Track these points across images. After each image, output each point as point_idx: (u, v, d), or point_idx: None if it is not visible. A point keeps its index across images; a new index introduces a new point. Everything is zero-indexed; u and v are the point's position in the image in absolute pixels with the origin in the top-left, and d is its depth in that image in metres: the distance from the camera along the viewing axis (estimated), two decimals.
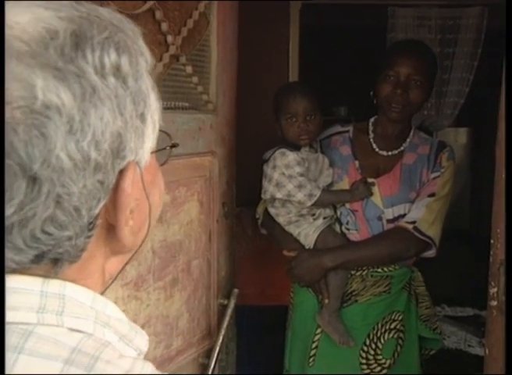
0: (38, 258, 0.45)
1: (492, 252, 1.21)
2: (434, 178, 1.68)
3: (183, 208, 1.54)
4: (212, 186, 1.66)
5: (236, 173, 1.82)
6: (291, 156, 1.62)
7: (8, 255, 0.44)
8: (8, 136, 0.40)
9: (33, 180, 0.41)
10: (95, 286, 0.51)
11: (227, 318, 1.71)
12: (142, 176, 0.50)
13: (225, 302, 1.73)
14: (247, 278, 2.31)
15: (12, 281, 0.45)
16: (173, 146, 0.60)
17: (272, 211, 1.72)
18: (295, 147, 1.64)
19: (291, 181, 1.61)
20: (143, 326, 1.43)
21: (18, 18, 0.43)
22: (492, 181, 1.26)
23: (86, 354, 0.44)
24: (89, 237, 0.48)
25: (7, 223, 0.42)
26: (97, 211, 0.47)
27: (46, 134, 0.41)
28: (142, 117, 0.49)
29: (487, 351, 1.22)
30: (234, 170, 1.81)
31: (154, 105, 0.51)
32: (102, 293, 0.53)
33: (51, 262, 0.46)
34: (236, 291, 1.76)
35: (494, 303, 1.19)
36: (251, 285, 2.44)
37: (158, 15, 1.42)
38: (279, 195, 1.63)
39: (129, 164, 0.48)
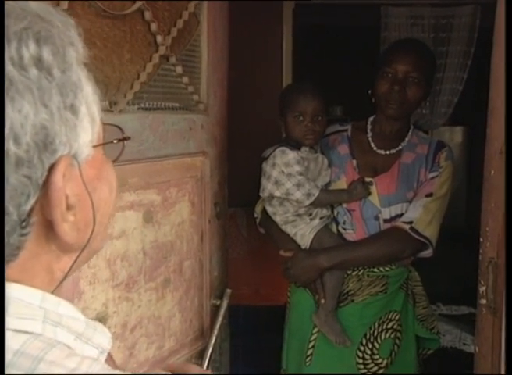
0: None
1: (481, 251, 1.21)
2: (432, 178, 1.68)
3: (174, 209, 1.54)
4: (204, 186, 1.66)
5: (228, 173, 1.82)
6: (291, 155, 1.62)
7: None
8: None
9: None
10: (42, 285, 0.50)
11: (220, 318, 1.71)
12: (81, 171, 0.49)
13: (218, 303, 1.73)
14: (241, 278, 2.31)
15: None
16: (124, 139, 0.58)
17: (269, 209, 1.72)
18: (295, 146, 1.64)
19: (290, 180, 1.61)
20: (134, 328, 1.43)
21: None
22: None
23: (29, 356, 0.44)
24: (24, 235, 0.46)
25: None
26: (27, 207, 0.45)
27: None
28: (73, 109, 0.47)
29: (477, 349, 1.22)
30: (226, 170, 1.80)
31: (90, 96, 0.50)
32: (54, 290, 0.52)
33: None
34: (228, 291, 1.76)
35: (483, 301, 1.19)
36: (245, 285, 2.44)
37: (148, 15, 1.41)
38: (277, 193, 1.63)
39: (61, 158, 0.46)
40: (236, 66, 1.88)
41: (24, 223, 0.46)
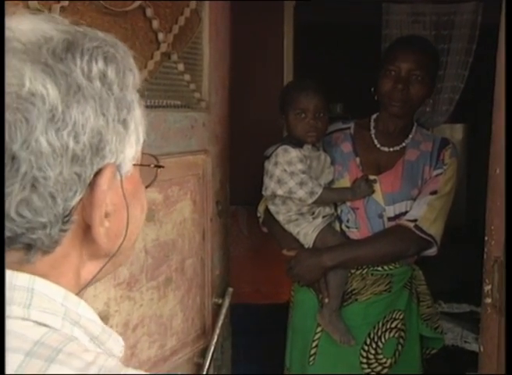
0: (11, 241, 0.47)
1: (486, 249, 1.21)
2: (436, 175, 1.67)
3: (175, 208, 1.53)
4: (205, 184, 1.65)
5: (229, 172, 1.81)
6: (294, 153, 1.60)
7: None
8: None
9: (12, 159, 0.44)
10: (68, 286, 0.52)
11: (222, 317, 1.70)
12: (122, 183, 0.53)
13: (220, 301, 1.73)
14: (243, 276, 2.30)
15: None
16: (159, 167, 0.63)
17: (272, 208, 1.71)
18: (297, 144, 1.63)
19: (293, 178, 1.60)
20: (136, 327, 1.42)
21: (20, 25, 0.49)
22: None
23: (48, 346, 0.46)
24: (64, 230, 0.49)
25: None
26: (72, 203, 0.49)
27: (28, 119, 0.44)
28: (124, 123, 0.52)
29: (481, 349, 1.22)
30: (228, 168, 1.80)
31: (138, 118, 0.55)
32: (77, 294, 0.53)
33: (23, 248, 0.48)
34: (230, 289, 1.75)
35: (488, 300, 1.18)
36: (247, 283, 2.43)
37: (149, 12, 1.40)
38: (280, 192, 1.62)
39: (108, 165, 0.50)
40: (237, 63, 1.87)
41: (66, 218, 0.49)
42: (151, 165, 0.61)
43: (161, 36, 1.44)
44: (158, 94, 1.48)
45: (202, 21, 1.62)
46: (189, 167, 1.58)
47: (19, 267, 0.48)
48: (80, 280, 0.54)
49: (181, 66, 1.54)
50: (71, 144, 0.47)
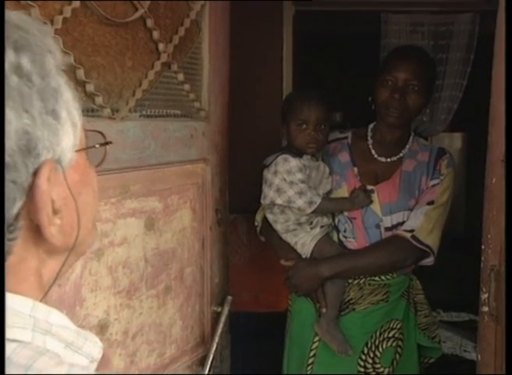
0: None
1: (483, 258, 1.22)
2: (433, 185, 1.67)
3: (175, 216, 1.54)
4: (205, 193, 1.66)
5: (229, 180, 1.82)
6: (293, 162, 1.61)
7: None
8: None
9: None
10: (31, 291, 0.50)
11: (221, 325, 1.70)
12: (65, 176, 0.50)
13: (219, 310, 1.73)
14: (242, 285, 2.31)
15: None
16: (105, 144, 0.59)
17: (269, 217, 1.72)
18: (297, 153, 1.64)
19: (292, 187, 1.60)
20: (136, 335, 1.43)
21: None
22: None
23: (17, 364, 0.44)
24: (11, 239, 0.47)
25: None
26: (14, 211, 0.46)
27: None
28: (54, 114, 0.48)
29: (479, 357, 1.22)
30: (227, 177, 1.80)
31: (70, 102, 0.51)
32: (43, 297, 0.52)
33: None
34: (229, 298, 1.76)
35: (485, 309, 1.19)
36: (246, 292, 2.44)
37: (149, 23, 1.42)
38: (279, 201, 1.63)
39: (45, 162, 0.47)
40: (236, 73, 1.89)
41: (12, 228, 0.47)
42: (96, 145, 0.57)
43: (161, 46, 1.46)
44: (158, 103, 1.49)
45: (202, 31, 1.63)
46: (188, 176, 1.59)
47: None
48: (43, 281, 0.53)
49: (181, 76, 1.55)
50: None
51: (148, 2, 1.39)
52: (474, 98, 3.60)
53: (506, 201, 1.08)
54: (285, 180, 1.61)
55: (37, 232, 0.49)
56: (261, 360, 2.39)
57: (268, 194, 1.65)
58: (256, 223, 1.84)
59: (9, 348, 0.45)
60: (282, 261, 1.73)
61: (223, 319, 1.71)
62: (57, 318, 0.51)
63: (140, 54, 1.41)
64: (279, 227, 1.70)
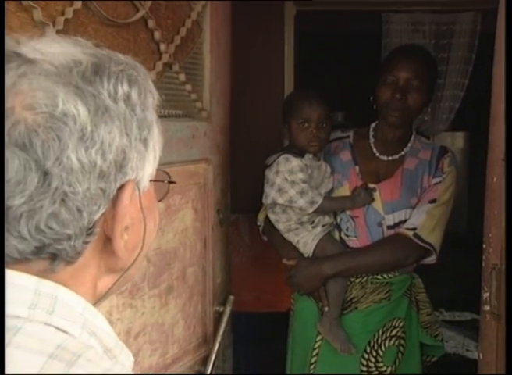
0: (39, 250, 0.49)
1: (484, 257, 1.22)
2: (435, 184, 1.67)
3: (177, 216, 1.54)
4: (207, 193, 1.66)
5: (231, 180, 1.82)
6: (295, 162, 1.61)
7: (13, 242, 0.48)
8: (30, 136, 0.47)
9: (45, 175, 0.47)
10: (86, 296, 0.54)
11: (223, 325, 1.71)
12: (140, 198, 0.56)
13: (221, 309, 1.73)
14: (244, 284, 2.31)
15: (9, 276, 0.49)
16: (171, 182, 0.65)
17: (272, 217, 1.72)
18: (299, 153, 1.64)
19: (293, 187, 1.60)
20: (138, 335, 1.43)
21: (50, 48, 0.52)
22: None
23: (69, 351, 0.48)
24: (86, 242, 0.52)
25: (16, 212, 0.47)
26: (96, 216, 0.51)
27: (61, 137, 0.48)
28: (145, 142, 0.55)
29: (481, 356, 1.22)
30: (229, 177, 1.81)
31: (156, 137, 0.58)
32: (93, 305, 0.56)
33: (49, 257, 0.50)
34: (231, 297, 1.76)
35: (487, 308, 1.19)
36: (248, 291, 2.44)
37: (151, 23, 1.42)
38: (280, 201, 1.63)
39: (129, 181, 0.54)
40: (238, 73, 1.89)
41: (90, 230, 0.52)
42: (164, 181, 0.64)
43: (162, 47, 1.46)
44: (160, 103, 1.49)
45: (203, 32, 1.64)
46: (190, 176, 1.60)
47: (44, 275, 0.51)
48: (97, 292, 0.57)
49: (182, 77, 1.55)
50: (99, 161, 0.50)
51: (149, 3, 1.40)
52: (475, 97, 3.60)
53: (506, 201, 1.09)
54: (286, 179, 1.62)
55: (105, 243, 0.54)
56: (263, 360, 2.39)
57: (270, 194, 1.65)
58: (258, 223, 1.85)
59: (62, 336, 0.49)
60: (284, 260, 1.74)
61: (225, 318, 1.71)
62: (102, 323, 0.55)
63: (141, 54, 1.41)
64: (280, 227, 1.71)
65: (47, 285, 0.50)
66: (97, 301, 0.58)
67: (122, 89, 0.53)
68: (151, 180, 0.58)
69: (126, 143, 0.52)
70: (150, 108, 0.56)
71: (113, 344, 0.55)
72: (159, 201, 0.63)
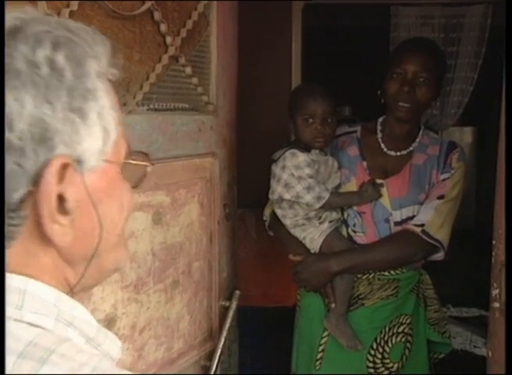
0: None
1: (493, 253, 1.20)
2: (443, 179, 1.65)
3: (183, 210, 1.54)
4: (213, 187, 1.65)
5: (237, 174, 1.81)
6: (302, 157, 1.60)
7: None
8: None
9: None
10: (52, 285, 0.51)
11: (229, 320, 1.70)
12: (84, 178, 0.50)
13: (227, 304, 1.72)
14: (250, 279, 2.30)
15: None
16: (144, 165, 0.60)
17: (278, 212, 1.71)
18: (305, 148, 1.63)
19: (300, 182, 1.59)
20: (143, 329, 1.43)
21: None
22: None
23: (41, 347, 0.45)
24: (13, 225, 0.48)
25: None
26: (17, 196, 0.47)
27: None
28: (80, 112, 0.49)
29: (490, 354, 1.21)
30: (235, 171, 1.80)
31: (106, 109, 0.52)
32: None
33: None
34: (237, 292, 1.75)
35: (496, 305, 1.17)
36: (254, 286, 2.43)
37: (157, 16, 1.41)
38: (287, 196, 1.62)
39: (58, 155, 0.48)
40: (245, 66, 1.87)
41: (14, 214, 0.47)
42: (130, 161, 0.58)
43: (169, 39, 1.45)
44: (166, 97, 1.48)
45: (210, 24, 1.62)
46: (196, 170, 1.59)
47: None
48: (62, 285, 0.53)
49: (189, 70, 1.54)
50: (6, 132, 0.45)
51: None
52: (484, 91, 3.57)
53: (506, 200, 1.07)
54: (293, 175, 1.60)
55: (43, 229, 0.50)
56: (269, 355, 2.38)
57: (277, 189, 1.64)
58: (264, 218, 1.83)
59: (34, 331, 0.47)
60: (290, 256, 1.72)
61: (231, 313, 1.71)
62: (80, 312, 0.52)
63: (147, 47, 1.40)
64: (287, 222, 1.69)
65: (16, 280, 0.48)
66: (72, 292, 0.54)
67: (44, 52, 0.48)
68: (106, 160, 0.52)
69: (46, 112, 0.47)
70: (91, 74, 0.51)
71: (95, 333, 0.52)
72: (134, 186, 0.59)
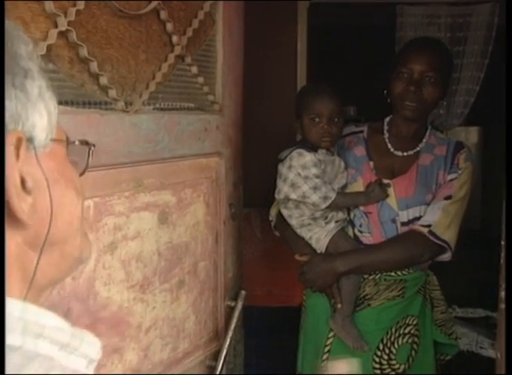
0: None
1: (502, 254, 1.19)
2: (451, 180, 1.65)
3: (189, 210, 1.53)
4: (219, 187, 1.65)
5: (243, 174, 1.81)
6: (308, 157, 1.59)
7: None
8: None
9: None
10: (15, 280, 0.49)
11: (234, 320, 1.70)
12: (38, 157, 0.49)
13: (233, 304, 1.72)
14: (256, 279, 2.30)
15: None
16: (89, 145, 0.59)
17: (284, 212, 1.70)
18: (312, 148, 1.62)
19: (307, 182, 1.58)
20: (149, 329, 1.42)
21: None
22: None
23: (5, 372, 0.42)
24: None
25: None
26: None
27: None
28: (23, 89, 0.49)
29: (498, 355, 1.20)
30: (241, 171, 1.79)
31: (44, 88, 0.52)
32: (28, 290, 0.51)
33: None
34: (243, 292, 1.75)
35: (504, 306, 1.16)
36: (260, 286, 2.43)
37: (163, 15, 1.40)
38: (293, 196, 1.61)
39: (12, 132, 0.47)
40: (251, 66, 1.87)
41: None
42: (75, 142, 0.57)
43: (175, 39, 1.45)
44: (172, 96, 1.48)
45: (216, 24, 1.62)
46: (202, 170, 1.58)
47: None
48: (27, 273, 0.51)
49: (195, 69, 1.54)
50: None
51: None
52: (491, 91, 3.55)
53: (506, 200, 1.06)
54: (299, 174, 1.60)
55: (11, 215, 0.47)
56: (274, 355, 2.38)
57: (283, 189, 1.63)
58: (270, 218, 1.83)
59: None
60: (296, 256, 1.72)
61: (237, 313, 1.70)
62: (49, 319, 0.49)
63: (153, 46, 1.40)
64: (293, 222, 1.69)
65: None
66: (43, 287, 0.52)
67: None
68: (52, 139, 0.52)
69: None
70: (22, 55, 0.51)
71: (69, 338, 0.49)
72: (81, 174, 0.58)
